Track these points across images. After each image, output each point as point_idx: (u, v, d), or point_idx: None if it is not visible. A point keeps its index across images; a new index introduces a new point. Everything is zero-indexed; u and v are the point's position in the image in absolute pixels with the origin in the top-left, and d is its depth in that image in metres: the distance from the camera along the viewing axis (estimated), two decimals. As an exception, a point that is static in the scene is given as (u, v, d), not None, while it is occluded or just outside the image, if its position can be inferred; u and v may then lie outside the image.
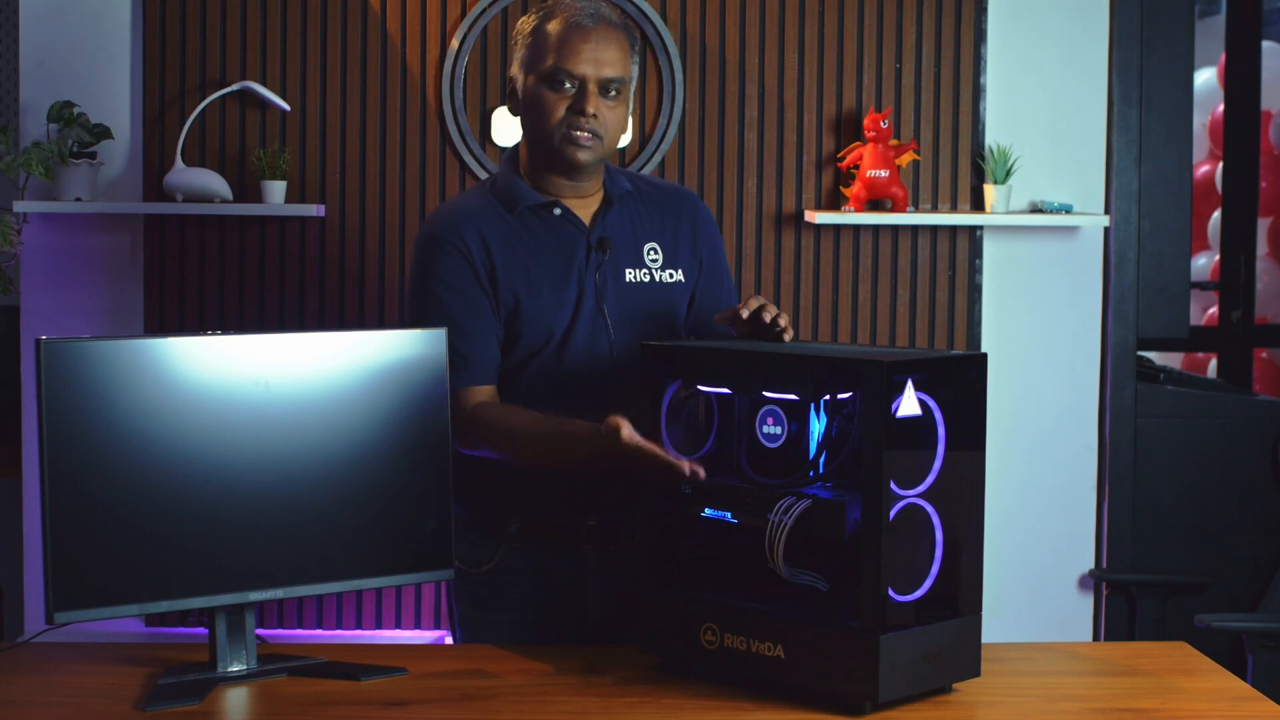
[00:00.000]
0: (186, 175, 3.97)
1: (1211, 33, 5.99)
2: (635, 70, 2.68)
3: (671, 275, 2.73)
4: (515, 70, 2.68)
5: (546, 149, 2.64)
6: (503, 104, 4.03)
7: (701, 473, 2.35)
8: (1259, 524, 4.31)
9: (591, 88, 2.60)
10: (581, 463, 2.54)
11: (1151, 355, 4.78)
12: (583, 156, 2.62)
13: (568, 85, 2.60)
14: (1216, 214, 5.90)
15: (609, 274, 2.67)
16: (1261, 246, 5.90)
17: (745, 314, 2.50)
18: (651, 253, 2.72)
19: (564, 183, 2.68)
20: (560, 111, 2.60)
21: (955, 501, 2.28)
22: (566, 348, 2.64)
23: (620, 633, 2.66)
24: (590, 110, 2.59)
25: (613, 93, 2.62)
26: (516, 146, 2.75)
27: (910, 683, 2.25)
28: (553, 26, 2.62)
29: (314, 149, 4.10)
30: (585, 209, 2.70)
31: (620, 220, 2.71)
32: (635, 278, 2.69)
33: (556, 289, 2.64)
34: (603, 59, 2.60)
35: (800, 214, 4.15)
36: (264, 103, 4.06)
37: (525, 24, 2.67)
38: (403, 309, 2.59)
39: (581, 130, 2.60)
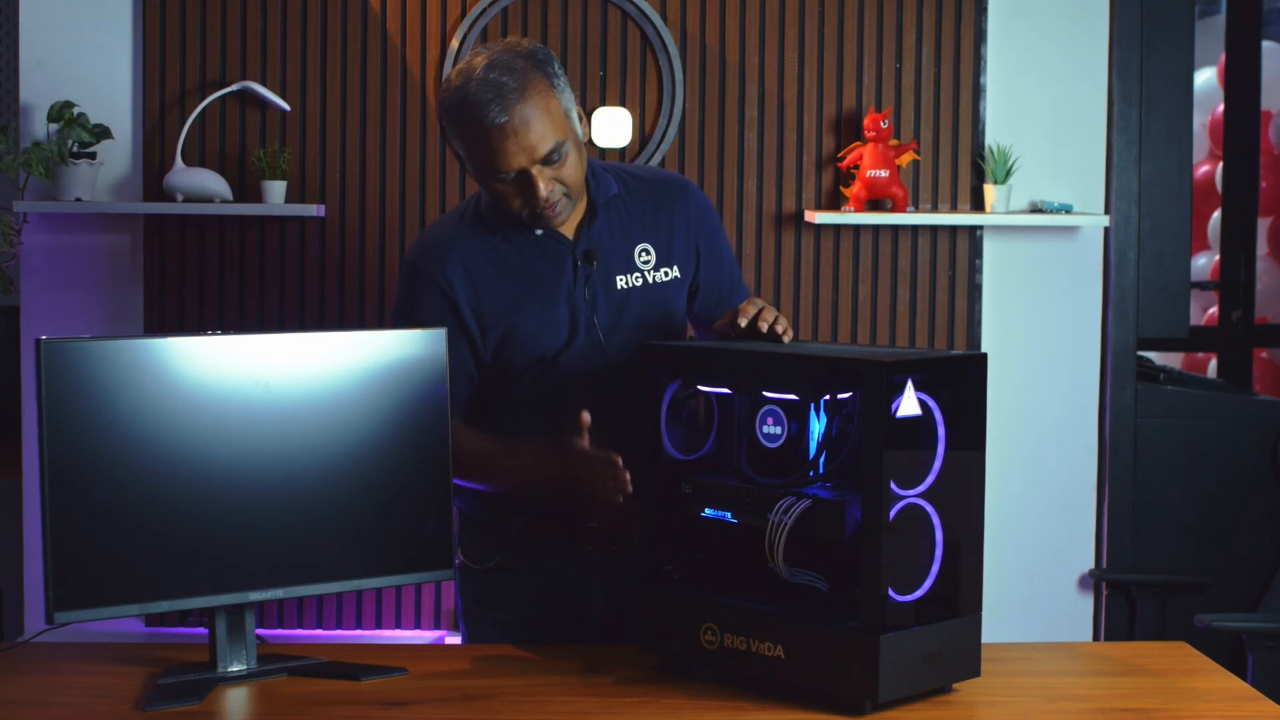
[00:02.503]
0: (186, 175, 3.97)
1: (1211, 33, 5.99)
2: (566, 94, 2.54)
3: (666, 274, 2.71)
4: (455, 146, 2.57)
5: (519, 222, 2.61)
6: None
7: (628, 487, 2.42)
8: (1259, 524, 4.31)
9: (535, 172, 2.50)
10: (526, 480, 2.58)
11: (1151, 355, 4.78)
12: (557, 222, 2.60)
13: (510, 177, 2.52)
14: (1216, 214, 5.89)
15: (598, 284, 2.65)
16: (1261, 246, 5.90)
17: (743, 322, 2.48)
18: (644, 254, 2.70)
19: None
20: (517, 201, 2.54)
21: (955, 501, 2.28)
22: (559, 363, 2.64)
23: (623, 632, 2.66)
24: (543, 194, 2.52)
25: (556, 157, 2.52)
26: None
27: (910, 683, 2.25)
28: (469, 129, 2.48)
29: (314, 149, 4.10)
30: (569, 223, 2.66)
31: (607, 228, 2.67)
32: (626, 284, 2.67)
33: (546, 310, 2.63)
34: (530, 144, 2.48)
35: (800, 214, 4.15)
36: (264, 103, 4.06)
37: (442, 107, 2.53)
38: (383, 322, 2.60)
39: (542, 209, 2.55)
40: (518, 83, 2.47)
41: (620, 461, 2.44)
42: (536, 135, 2.48)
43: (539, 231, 2.64)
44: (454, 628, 4.11)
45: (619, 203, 2.70)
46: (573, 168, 2.55)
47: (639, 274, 2.68)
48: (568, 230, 2.66)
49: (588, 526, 2.66)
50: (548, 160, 2.51)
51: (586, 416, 2.46)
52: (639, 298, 2.68)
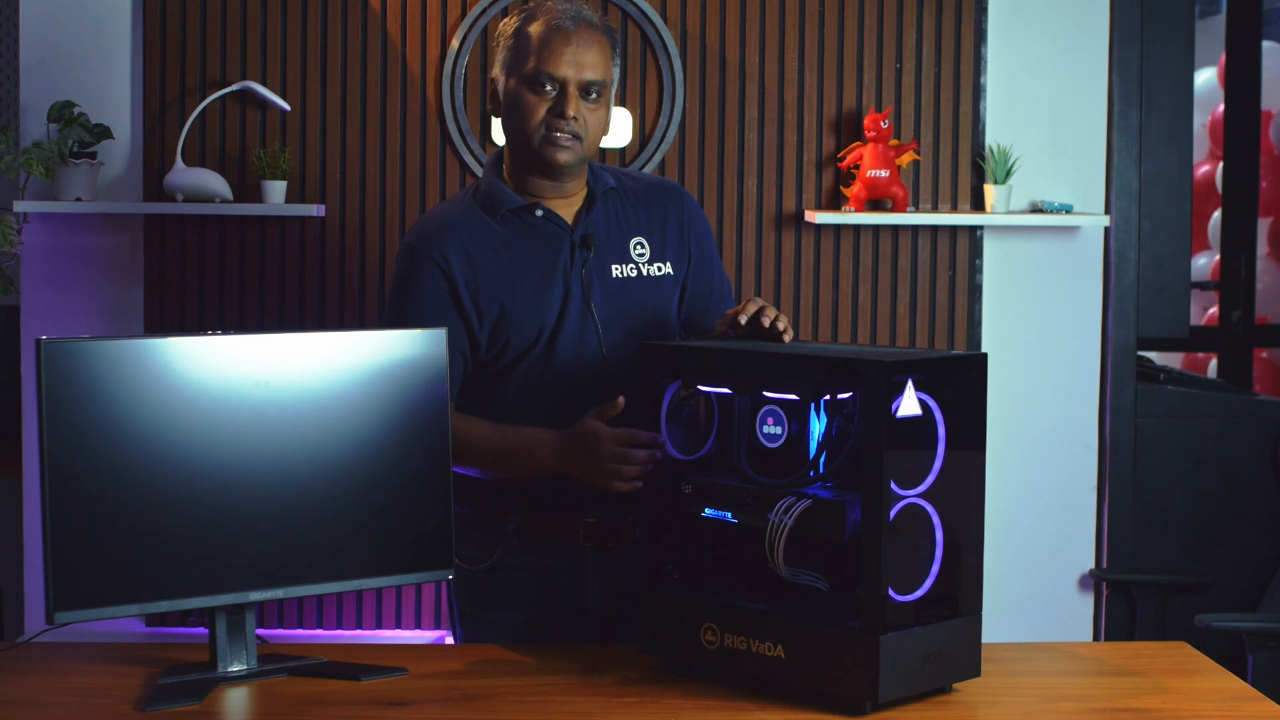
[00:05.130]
0: (186, 175, 3.97)
1: (1211, 33, 5.99)
2: (616, 72, 2.68)
3: (660, 269, 2.73)
4: (496, 72, 2.69)
5: (527, 150, 2.65)
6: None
7: (656, 455, 2.43)
8: (1259, 524, 4.31)
9: (572, 90, 2.60)
10: (541, 470, 2.58)
11: (1151, 355, 4.78)
12: (563, 157, 2.62)
13: (548, 88, 2.61)
14: (1216, 214, 5.89)
15: (594, 271, 2.67)
16: (1261, 246, 5.90)
17: (744, 320, 2.49)
18: (638, 247, 2.72)
19: (546, 184, 2.68)
20: (541, 113, 2.61)
21: (955, 501, 2.28)
22: (555, 347, 2.64)
23: (619, 631, 2.67)
24: (571, 113, 2.60)
25: (593, 95, 2.63)
26: (500, 151, 2.76)
27: (910, 683, 2.26)
28: (534, 29, 2.62)
29: (314, 149, 4.10)
30: (568, 208, 2.70)
31: (604, 217, 2.71)
32: (621, 273, 2.69)
33: (542, 290, 2.64)
34: (584, 61, 2.60)
35: (800, 214, 4.15)
36: (264, 103, 4.06)
37: (507, 25, 2.67)
38: (382, 311, 2.63)
39: (562, 132, 2.61)
40: (592, 17, 2.66)
41: (635, 438, 2.45)
42: (592, 59, 2.61)
43: (539, 214, 2.67)
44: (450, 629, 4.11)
45: (615, 196, 2.74)
46: (600, 118, 2.65)
47: (633, 265, 2.70)
48: (566, 215, 2.69)
49: (585, 521, 2.67)
50: (587, 90, 2.61)
51: (621, 401, 2.49)
52: (633, 289, 2.69)
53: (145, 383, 2.32)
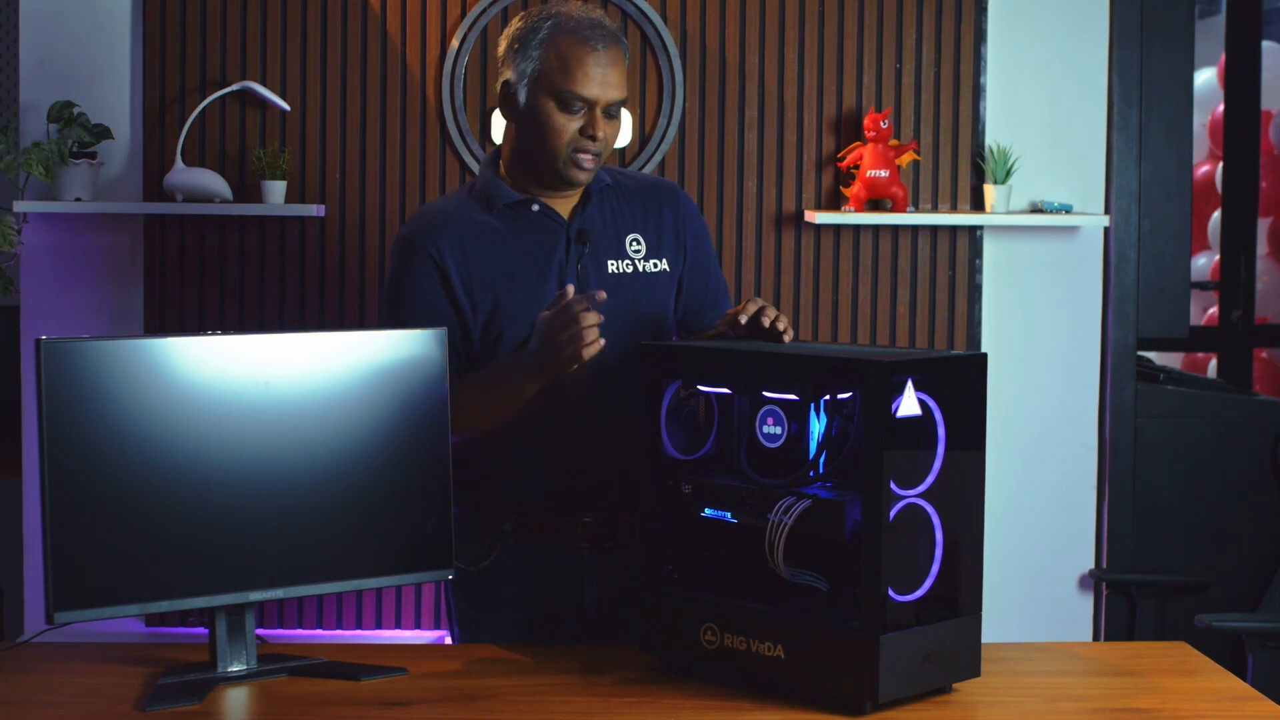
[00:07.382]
0: (186, 175, 3.97)
1: (1211, 33, 5.99)
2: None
3: (655, 265, 2.73)
4: (512, 76, 2.64)
5: (548, 167, 2.64)
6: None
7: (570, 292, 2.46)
8: (1259, 524, 4.31)
9: (599, 111, 2.61)
10: (525, 391, 2.56)
11: (1151, 355, 4.78)
12: (584, 178, 2.64)
13: (578, 107, 2.60)
14: (1216, 214, 5.90)
15: (590, 266, 2.68)
16: (1261, 246, 5.90)
17: (744, 319, 2.49)
18: (634, 243, 2.72)
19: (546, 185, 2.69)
20: (570, 133, 2.61)
21: (955, 501, 2.28)
22: None
23: (617, 631, 2.67)
24: (600, 134, 2.61)
25: (615, 112, 2.64)
26: (497, 150, 2.75)
27: (910, 683, 2.26)
28: (563, 45, 2.58)
29: (314, 149, 4.10)
30: (564, 204, 2.71)
31: (600, 213, 2.72)
32: (617, 269, 2.70)
33: (537, 284, 2.65)
34: (610, 82, 2.60)
35: (800, 214, 4.15)
36: (264, 103, 4.06)
37: (524, 29, 2.63)
38: (380, 304, 2.67)
39: (587, 153, 2.61)
40: (613, 28, 2.63)
41: (567, 303, 2.45)
42: (616, 78, 2.61)
43: (535, 208, 2.68)
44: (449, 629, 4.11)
45: (611, 193, 2.75)
46: (615, 132, 2.66)
47: (629, 261, 2.71)
48: (562, 211, 2.70)
49: (582, 521, 2.66)
50: (610, 109, 2.62)
51: (571, 289, 2.48)
52: (629, 286, 2.69)
53: (145, 383, 2.32)
